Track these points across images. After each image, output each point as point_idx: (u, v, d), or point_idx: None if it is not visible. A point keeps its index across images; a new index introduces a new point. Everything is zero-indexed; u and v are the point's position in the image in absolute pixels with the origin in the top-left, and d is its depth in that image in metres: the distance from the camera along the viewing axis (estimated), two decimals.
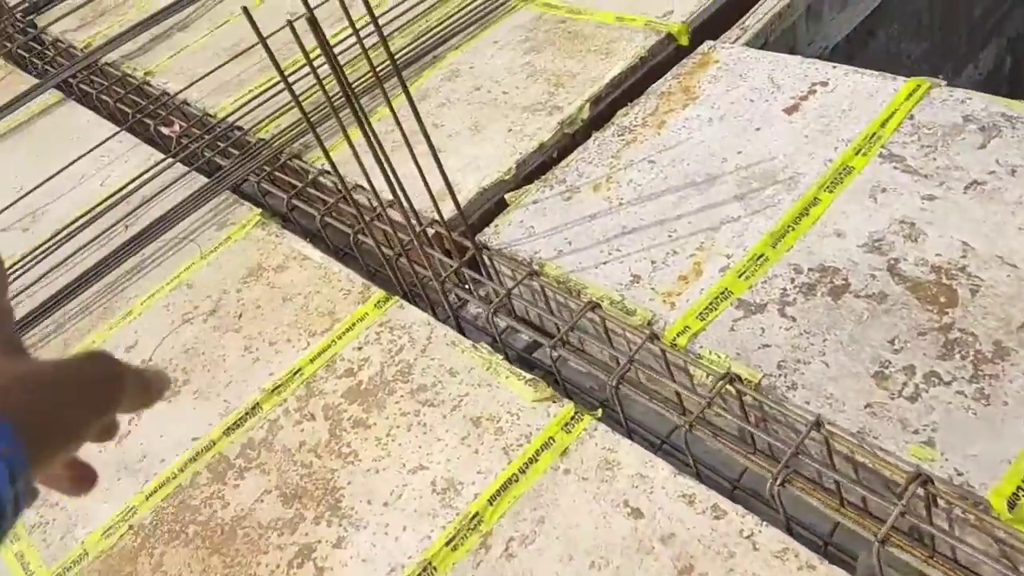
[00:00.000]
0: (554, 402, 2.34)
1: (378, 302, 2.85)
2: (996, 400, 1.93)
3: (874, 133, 2.67)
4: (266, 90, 4.00)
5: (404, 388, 2.54)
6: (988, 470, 1.82)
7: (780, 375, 2.15)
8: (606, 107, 3.30)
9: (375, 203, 3.17)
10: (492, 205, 3.10)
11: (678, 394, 2.30)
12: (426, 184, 2.61)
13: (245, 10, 2.24)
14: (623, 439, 2.21)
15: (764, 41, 3.38)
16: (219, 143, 3.82)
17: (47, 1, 5.97)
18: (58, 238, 3.63)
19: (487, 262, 2.81)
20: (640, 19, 3.56)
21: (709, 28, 3.50)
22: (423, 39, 3.97)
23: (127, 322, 3.15)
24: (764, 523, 1.94)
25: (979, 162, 2.47)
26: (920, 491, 1.78)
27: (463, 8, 4.08)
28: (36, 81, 5.03)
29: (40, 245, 3.62)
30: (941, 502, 1.80)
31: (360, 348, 2.72)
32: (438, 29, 4.02)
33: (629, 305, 2.46)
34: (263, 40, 2.26)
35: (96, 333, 3.15)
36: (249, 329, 2.93)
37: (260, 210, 3.43)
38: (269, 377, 2.72)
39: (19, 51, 5.41)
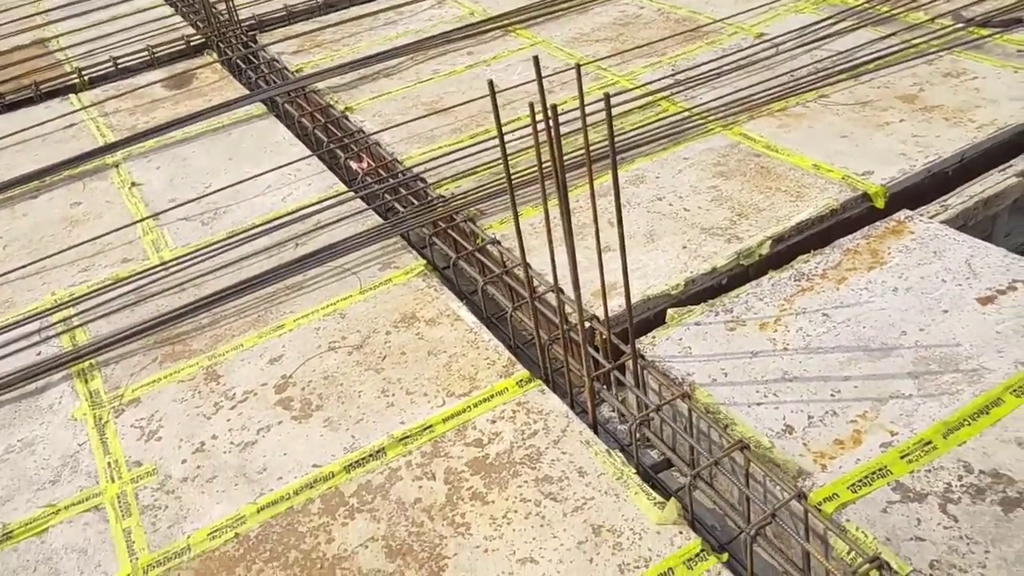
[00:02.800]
0: (680, 532, 2.26)
1: (520, 381, 2.85)
2: None
3: None
4: (456, 151, 4.15)
5: (530, 474, 2.51)
6: None
7: (931, 572, 2.01)
8: (786, 248, 3.26)
9: (538, 283, 3.21)
10: (651, 315, 3.08)
11: (807, 557, 2.19)
12: (602, 278, 2.62)
13: (490, 83, 2.34)
14: None
15: (963, 223, 3.29)
16: (401, 189, 3.97)
17: (272, 23, 6.44)
18: (233, 240, 3.82)
19: (638, 370, 2.77)
20: (838, 172, 3.53)
21: (907, 196, 3.43)
22: (616, 138, 4.05)
23: (277, 335, 3.26)
24: None
25: None
26: None
27: (659, 119, 4.15)
28: (245, 91, 5.40)
29: (215, 242, 3.82)
30: None
31: (494, 421, 2.72)
32: (631, 132, 4.09)
33: (778, 455, 2.38)
34: (497, 120, 2.34)
35: (245, 338, 3.27)
36: (390, 373, 2.98)
37: (424, 261, 3.52)
38: (400, 425, 2.75)
39: (238, 61, 5.83)
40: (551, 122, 2.32)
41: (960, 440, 2.32)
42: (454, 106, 4.64)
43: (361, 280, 3.47)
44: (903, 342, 2.68)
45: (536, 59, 2.28)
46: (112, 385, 3.15)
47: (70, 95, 5.77)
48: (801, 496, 2.21)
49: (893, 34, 4.54)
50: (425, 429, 2.72)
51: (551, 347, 2.90)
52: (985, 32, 4.40)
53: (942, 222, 3.23)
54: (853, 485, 2.25)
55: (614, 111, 4.33)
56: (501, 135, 2.50)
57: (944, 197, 3.37)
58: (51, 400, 3.14)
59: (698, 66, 4.60)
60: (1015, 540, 2.05)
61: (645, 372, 2.77)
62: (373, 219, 3.84)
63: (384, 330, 3.19)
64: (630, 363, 2.76)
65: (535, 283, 3.24)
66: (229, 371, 3.12)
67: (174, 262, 3.74)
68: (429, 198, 3.87)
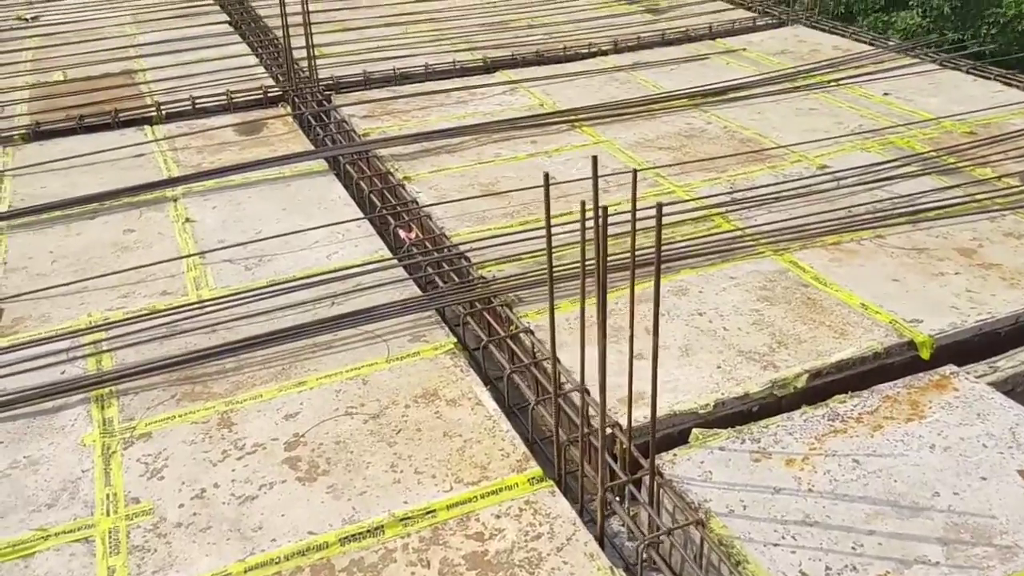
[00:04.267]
0: None
1: (533, 478, 2.77)
2: None
3: None
4: (505, 234, 4.17)
5: None
6: None
7: None
8: (823, 384, 3.18)
9: (564, 379, 3.16)
10: (676, 432, 3.00)
11: None
12: (630, 385, 2.56)
13: (546, 176, 2.35)
14: None
15: (1011, 388, 3.18)
16: (444, 264, 3.98)
17: (349, 86, 6.63)
18: (272, 289, 3.84)
19: (654, 488, 2.68)
20: (886, 315, 3.46)
21: (954, 351, 3.34)
22: (664, 247, 4.04)
23: (297, 390, 3.23)
24: None
25: None
26: None
27: (710, 234, 4.14)
28: (311, 147, 5.52)
29: (255, 288, 3.84)
30: None
31: (499, 516, 2.63)
32: (680, 243, 4.08)
33: None
34: (547, 212, 2.34)
35: (266, 389, 3.25)
36: (402, 448, 2.93)
37: (455, 340, 3.50)
38: (403, 505, 2.68)
39: (309, 117, 5.99)
40: (600, 221, 2.31)
41: None
42: (510, 191, 4.68)
43: (389, 349, 3.45)
44: (935, 504, 2.56)
45: (595, 158, 2.29)
46: (127, 416, 3.13)
47: (145, 126, 5.96)
48: None
49: (957, 186, 4.51)
50: (428, 513, 2.65)
51: (568, 448, 2.82)
52: None
53: (989, 383, 3.13)
54: None
55: (667, 220, 4.36)
56: (549, 226, 2.50)
57: (994, 358, 3.27)
58: (65, 421, 3.13)
59: (756, 188, 4.60)
60: None
61: (661, 490, 2.68)
62: (412, 289, 3.85)
63: (404, 403, 3.15)
64: (647, 479, 2.68)
65: (562, 379, 3.19)
66: (244, 420, 3.09)
67: (211, 302, 3.77)
68: (470, 277, 3.87)
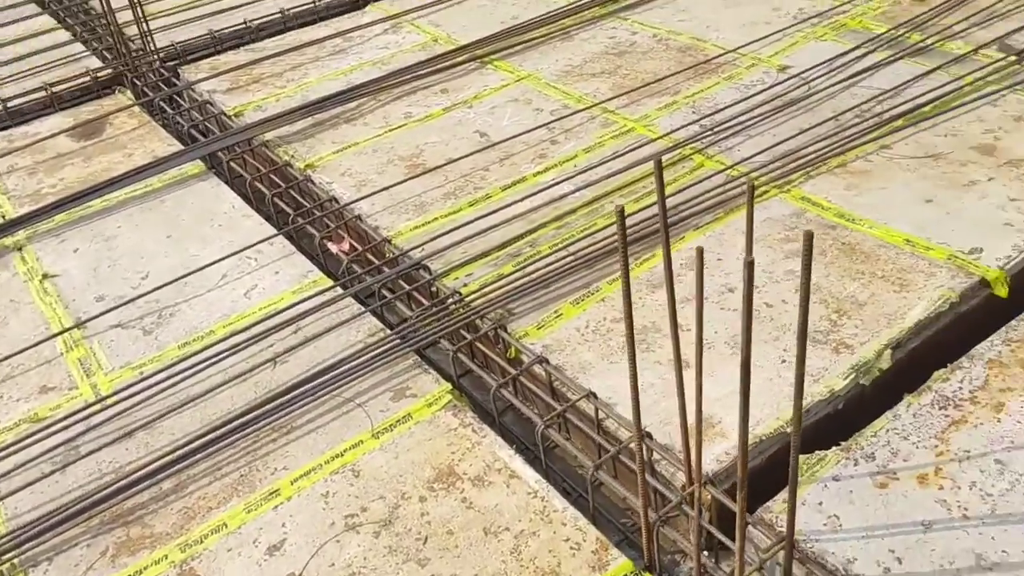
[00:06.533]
0: None
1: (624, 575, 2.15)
2: None
3: None
4: (458, 225, 3.40)
5: None
6: None
7: None
8: (905, 358, 2.66)
9: (614, 423, 2.52)
10: (763, 461, 2.42)
11: None
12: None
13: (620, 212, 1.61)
14: None
15: None
16: (403, 283, 3.20)
17: (196, 53, 5.52)
18: (189, 358, 2.98)
19: (790, 566, 2.10)
20: (941, 250, 2.95)
21: None
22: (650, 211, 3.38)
23: (271, 505, 2.46)
24: None
25: None
26: None
27: (697, 180, 3.50)
28: (172, 141, 4.49)
29: (166, 361, 2.97)
30: None
31: None
32: (670, 198, 3.43)
33: None
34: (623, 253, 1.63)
35: (228, 512, 2.46)
36: (439, 566, 2.23)
37: (450, 386, 2.77)
38: None
39: (160, 102, 4.90)
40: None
41: None
42: (444, 164, 3.88)
43: (371, 417, 2.70)
44: None
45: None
46: None
47: None
48: None
49: (937, 68, 4.01)
50: None
51: (662, 527, 2.20)
52: None
53: None
54: None
55: (637, 169, 3.69)
56: (626, 278, 1.80)
57: None
58: None
59: (723, 108, 3.97)
60: None
61: (795, 563, 2.10)
62: (369, 323, 3.07)
63: (417, 495, 2.43)
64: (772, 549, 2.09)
65: (601, 415, 2.54)
66: (214, 569, 2.31)
67: (113, 394, 2.89)
68: (442, 296, 3.11)
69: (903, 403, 2.45)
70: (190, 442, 2.65)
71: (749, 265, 1.50)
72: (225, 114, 4.66)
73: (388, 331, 2.99)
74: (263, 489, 2.51)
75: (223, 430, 2.68)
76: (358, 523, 2.38)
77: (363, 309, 3.11)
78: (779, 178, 3.44)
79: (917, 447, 2.32)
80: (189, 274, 3.42)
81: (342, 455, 2.58)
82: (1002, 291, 2.82)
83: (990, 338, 2.61)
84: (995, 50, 4.11)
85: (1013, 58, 3.97)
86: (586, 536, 2.26)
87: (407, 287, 3.15)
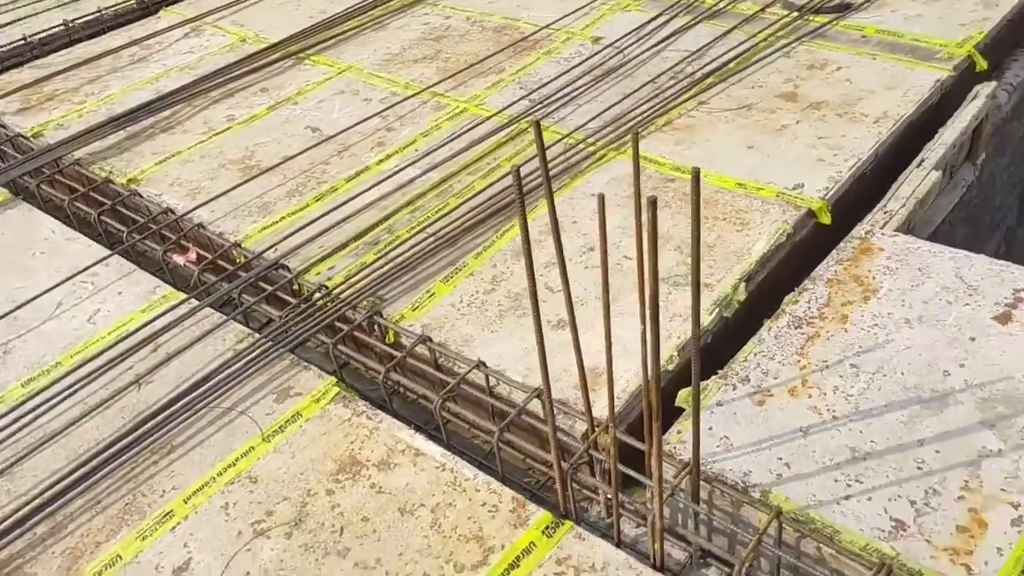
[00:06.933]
0: None
1: (546, 527, 2.21)
2: None
3: None
4: (309, 222, 3.33)
5: None
6: None
7: None
8: (756, 290, 2.90)
9: (496, 381, 2.58)
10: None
11: None
12: (580, 369, 2.05)
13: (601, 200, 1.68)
14: None
15: (909, 227, 3.12)
16: (264, 284, 3.09)
17: None
18: (37, 394, 2.74)
19: (697, 486, 2.24)
20: (770, 190, 3.22)
21: (840, 207, 3.20)
22: (503, 183, 3.46)
23: (166, 528, 2.32)
24: None
25: None
26: None
27: (534, 151, 3.61)
28: None
29: (12, 401, 2.72)
30: None
31: None
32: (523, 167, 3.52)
33: (910, 564, 1.97)
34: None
35: (120, 543, 2.30)
36: (361, 553, 2.20)
37: (335, 378, 2.72)
38: None
39: None
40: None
41: None
42: (280, 163, 3.77)
43: (258, 422, 2.61)
44: (952, 384, 2.39)
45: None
46: None
47: None
48: None
49: (733, 28, 4.35)
50: None
51: (574, 476, 2.28)
52: (823, 19, 4.34)
53: (895, 231, 3.03)
54: None
55: (479, 147, 3.75)
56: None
57: (882, 203, 3.18)
58: None
59: (548, 82, 4.11)
60: None
61: (716, 487, 2.25)
62: (234, 330, 2.95)
63: (323, 489, 2.38)
64: (677, 479, 2.23)
65: (493, 382, 2.60)
66: None
67: None
68: (304, 292, 3.04)
69: (764, 328, 2.67)
70: (60, 480, 2.45)
71: (652, 202, 1.60)
72: (22, 136, 4.29)
73: (257, 335, 2.89)
74: (154, 513, 2.37)
75: (95, 462, 2.50)
76: (266, 528, 2.30)
77: (224, 317, 2.98)
78: (614, 141, 3.62)
79: (783, 365, 2.53)
80: (18, 308, 3.14)
81: (235, 464, 2.48)
82: (826, 219, 3.13)
83: (825, 260, 2.89)
84: (779, 8, 4.51)
85: (795, 13, 4.38)
86: (501, 497, 2.30)
87: (269, 288, 3.05)
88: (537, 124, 1.78)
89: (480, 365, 2.60)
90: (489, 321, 2.84)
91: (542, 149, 1.79)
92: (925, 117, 3.66)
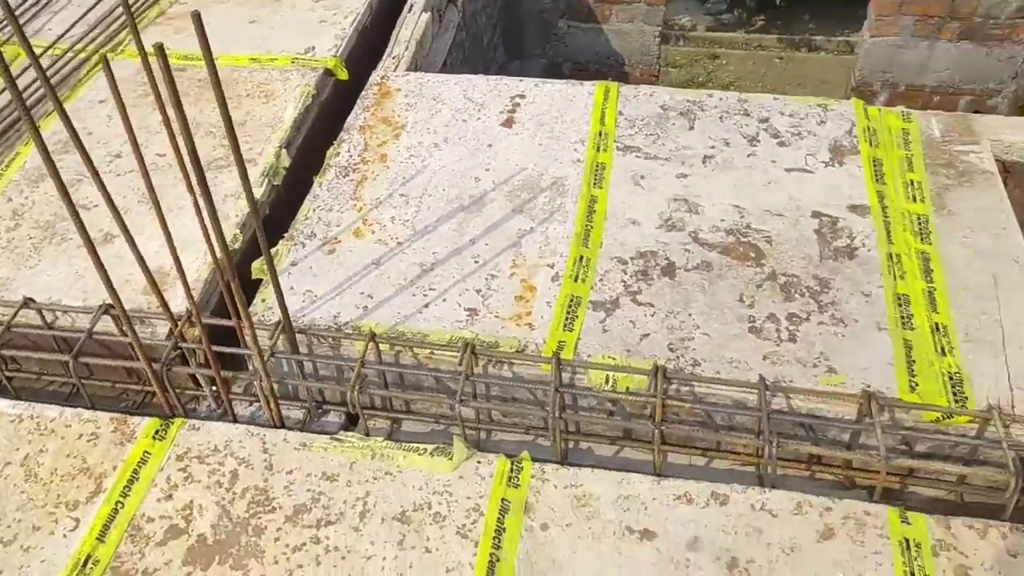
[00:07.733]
0: (479, 461, 2.05)
1: (156, 432, 2.13)
2: (848, 320, 2.28)
3: (600, 131, 2.88)
4: None
5: (274, 518, 1.96)
6: (883, 376, 2.14)
7: (676, 356, 2.20)
8: (298, 153, 2.95)
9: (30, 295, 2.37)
10: (221, 285, 2.53)
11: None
12: (147, 274, 2.04)
13: None
14: (580, 470, 2.04)
15: (416, 65, 3.37)
16: None
17: None
18: None
19: (295, 342, 2.29)
20: (283, 58, 3.25)
21: (358, 54, 3.36)
22: None
23: None
24: (763, 490, 1.99)
25: (698, 141, 2.84)
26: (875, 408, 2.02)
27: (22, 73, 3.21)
28: None
29: None
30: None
31: (170, 496, 2.01)
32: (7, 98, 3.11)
33: (486, 339, 2.27)
34: None
35: None
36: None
37: None
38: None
39: None
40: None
41: (598, 242, 2.50)
42: None
43: None
44: (483, 186, 2.71)
45: None
46: None
47: None
48: (559, 362, 2.16)
49: None
50: (84, 565, 1.89)
51: (168, 371, 2.20)
52: None
53: (409, 69, 3.27)
54: (566, 324, 2.29)
55: None
56: None
57: (388, 50, 3.38)
58: None
59: None
60: (696, 294, 2.35)
61: (312, 344, 2.31)
62: None
63: None
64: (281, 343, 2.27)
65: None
66: None
67: None
68: None
69: (315, 185, 2.76)
70: None
71: (159, 48, 1.54)
72: None
73: None
74: None
75: None
76: None
77: None
78: (107, 42, 3.35)
79: (342, 212, 2.66)
80: None
81: None
82: (343, 74, 3.26)
83: (353, 111, 3.03)
84: None
85: None
86: (99, 423, 2.16)
87: None
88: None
89: (28, 303, 2.35)
90: (24, 258, 2.55)
91: (36, 59, 1.62)
92: None
